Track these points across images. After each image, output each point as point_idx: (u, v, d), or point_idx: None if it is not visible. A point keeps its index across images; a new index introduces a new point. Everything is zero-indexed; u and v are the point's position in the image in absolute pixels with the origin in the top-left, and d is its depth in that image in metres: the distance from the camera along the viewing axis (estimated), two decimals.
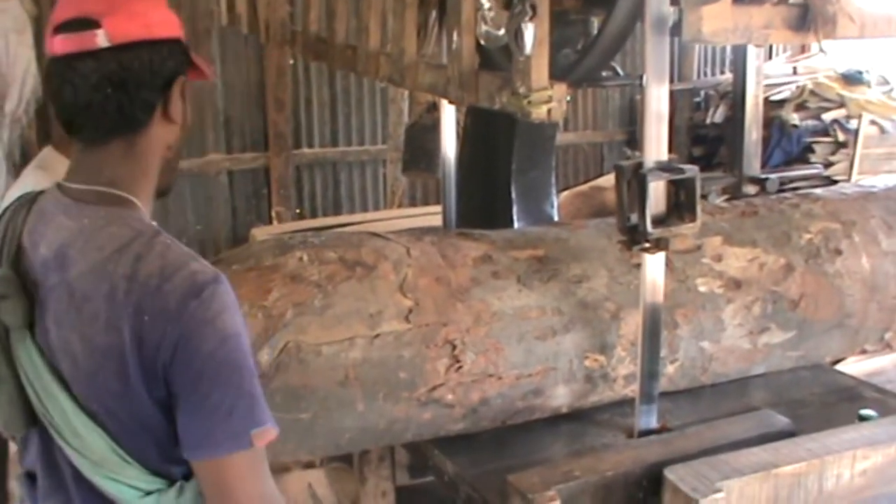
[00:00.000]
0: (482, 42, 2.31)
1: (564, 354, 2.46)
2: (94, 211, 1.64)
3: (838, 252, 2.81)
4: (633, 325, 2.48)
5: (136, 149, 1.67)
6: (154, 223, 1.67)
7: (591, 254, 2.61)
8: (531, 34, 1.98)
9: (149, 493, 1.63)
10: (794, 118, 7.85)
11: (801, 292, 2.75)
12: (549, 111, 2.04)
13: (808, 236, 2.84)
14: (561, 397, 2.52)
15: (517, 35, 1.99)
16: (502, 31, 2.18)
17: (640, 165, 2.19)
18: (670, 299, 2.49)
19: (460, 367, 2.34)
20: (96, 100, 1.61)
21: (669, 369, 2.60)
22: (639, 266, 2.35)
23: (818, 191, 3.16)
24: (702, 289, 2.63)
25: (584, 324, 2.48)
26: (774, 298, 2.72)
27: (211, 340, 1.54)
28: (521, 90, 2.04)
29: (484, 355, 2.36)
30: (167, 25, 1.70)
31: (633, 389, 2.50)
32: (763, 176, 3.14)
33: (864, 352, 3.12)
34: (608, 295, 2.54)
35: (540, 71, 2.02)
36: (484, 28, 2.29)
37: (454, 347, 2.33)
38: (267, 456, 1.74)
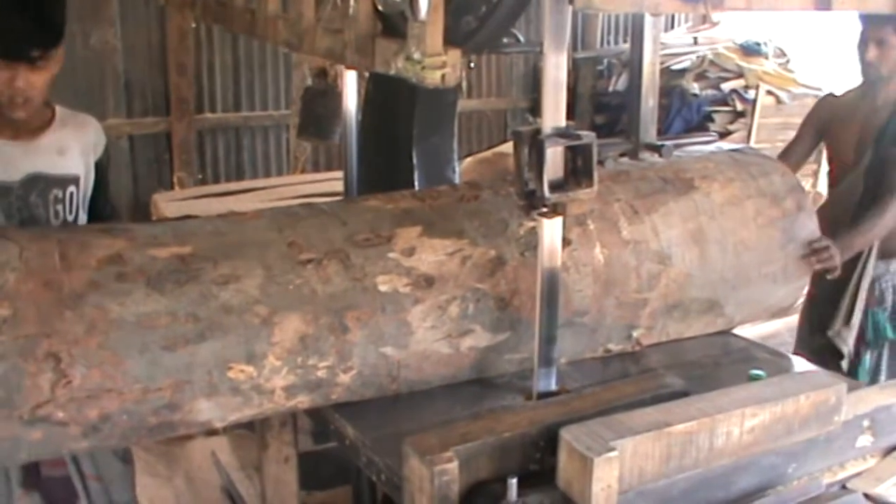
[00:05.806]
0: (380, 7, 2.30)
1: (200, 366, 2.22)
2: None
3: (565, 242, 2.48)
4: (290, 330, 2.29)
5: None
6: None
7: (249, 250, 2.37)
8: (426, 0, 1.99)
9: None
10: (695, 87, 8.00)
11: (514, 289, 2.55)
12: (443, 77, 2.04)
13: (528, 224, 2.58)
14: (207, 411, 2.29)
15: (412, 0, 1.99)
16: None
17: (537, 131, 2.20)
18: (340, 301, 2.34)
19: (69, 383, 2.10)
20: None
21: (344, 378, 2.40)
22: (303, 264, 2.33)
23: None
24: (382, 288, 2.43)
25: (224, 331, 2.24)
26: (477, 297, 2.51)
27: None
28: (416, 56, 2.04)
29: (98, 368, 2.13)
30: None
31: (299, 401, 2.38)
32: (659, 143, 3.16)
33: (608, 351, 2.81)
34: (260, 297, 2.29)
35: (434, 36, 2.03)
36: None
37: (59, 361, 2.10)
38: None
